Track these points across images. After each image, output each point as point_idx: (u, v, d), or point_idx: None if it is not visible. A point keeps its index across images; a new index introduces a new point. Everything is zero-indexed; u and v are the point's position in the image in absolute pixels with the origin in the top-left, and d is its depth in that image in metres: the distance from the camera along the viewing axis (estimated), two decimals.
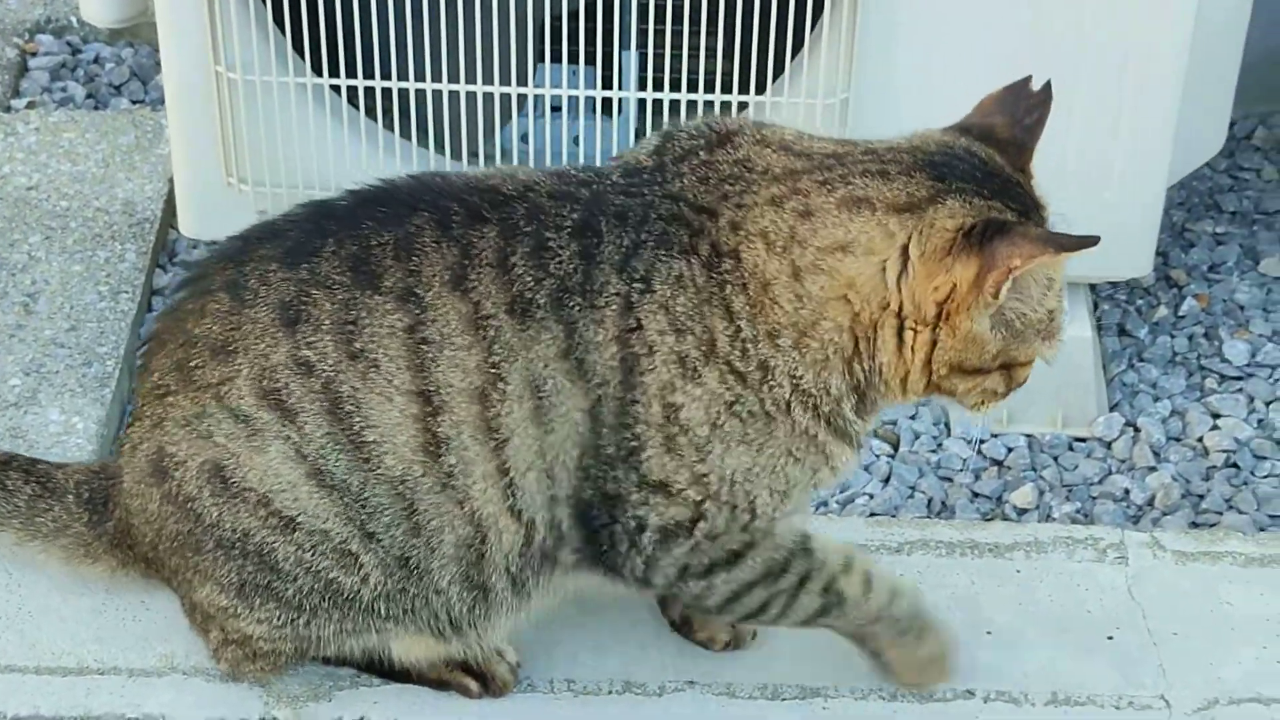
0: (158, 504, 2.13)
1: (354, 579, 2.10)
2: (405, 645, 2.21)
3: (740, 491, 2.03)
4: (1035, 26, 2.59)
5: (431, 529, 2.05)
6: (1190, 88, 2.66)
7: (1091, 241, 1.90)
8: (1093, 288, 3.02)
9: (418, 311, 1.96)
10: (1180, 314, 3.04)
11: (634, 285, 1.95)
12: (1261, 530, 2.68)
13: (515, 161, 2.72)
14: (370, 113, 2.69)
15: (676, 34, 2.65)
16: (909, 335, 1.97)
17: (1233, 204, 3.28)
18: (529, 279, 1.96)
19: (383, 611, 2.13)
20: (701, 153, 2.04)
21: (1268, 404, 2.89)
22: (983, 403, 2.05)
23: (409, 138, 2.70)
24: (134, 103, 3.46)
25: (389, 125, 2.70)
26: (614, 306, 1.96)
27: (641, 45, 2.66)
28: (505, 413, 1.97)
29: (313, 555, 2.08)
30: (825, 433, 2.02)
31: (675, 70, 2.68)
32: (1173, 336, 2.99)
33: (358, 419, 2.00)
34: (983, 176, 1.98)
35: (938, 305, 1.94)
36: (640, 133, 2.75)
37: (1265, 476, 2.78)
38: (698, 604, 2.16)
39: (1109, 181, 2.70)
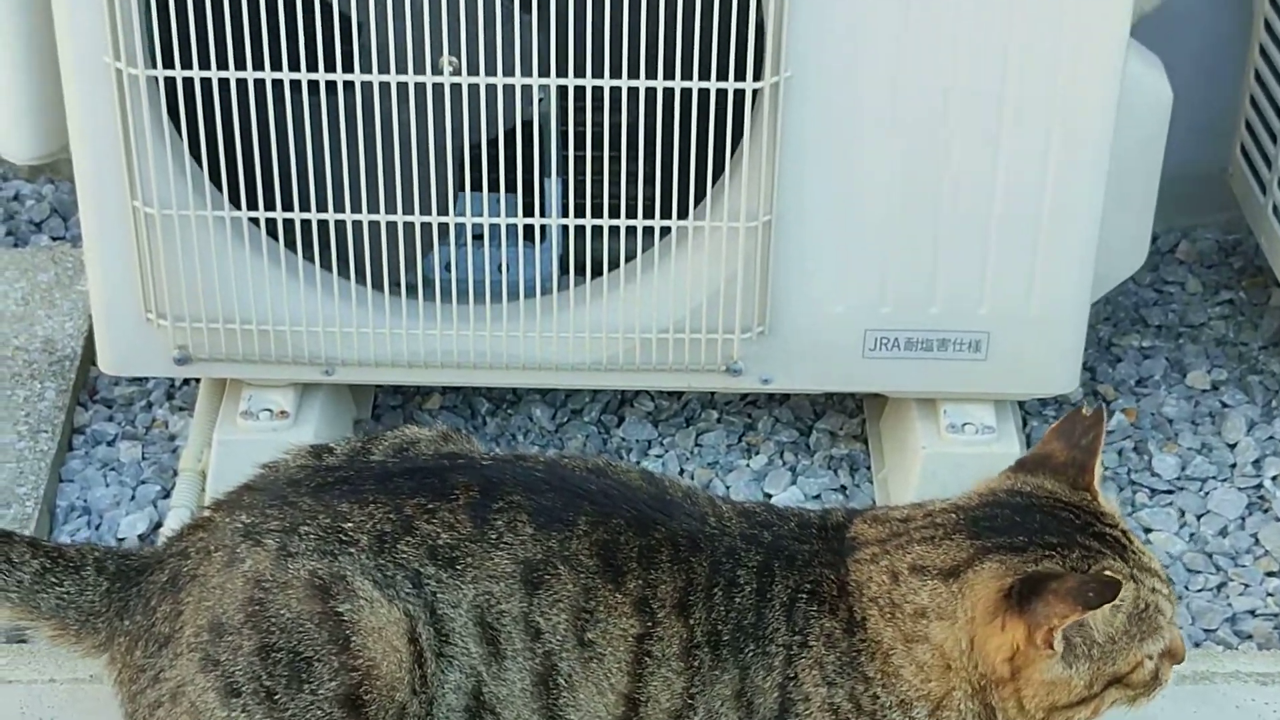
0: (251, 606, 2.03)
1: None
2: None
3: None
4: (951, 146, 2.60)
5: None
6: (1111, 203, 2.68)
7: (1114, 593, 1.93)
8: (1021, 404, 3.02)
9: (650, 624, 2.05)
10: (1109, 429, 3.04)
11: (794, 638, 2.08)
12: (1196, 645, 2.66)
13: (438, 291, 2.70)
14: (290, 244, 2.67)
15: (598, 160, 2.64)
16: (996, 691, 2.03)
17: (1158, 318, 3.29)
18: (721, 611, 2.07)
19: None
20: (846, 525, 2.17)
21: (1199, 517, 2.89)
22: (1132, 703, 2.08)
23: (330, 269, 2.68)
24: (54, 239, 3.43)
25: (309, 257, 2.68)
26: (780, 658, 2.07)
27: (563, 171, 2.66)
28: None
29: None
30: None
31: (598, 196, 2.68)
32: (1102, 452, 2.99)
33: (566, 696, 2.05)
34: (1021, 519, 2.05)
35: (1008, 663, 2.00)
36: (565, 259, 2.74)
37: (1199, 590, 2.77)
38: None
39: (1032, 299, 2.70)
